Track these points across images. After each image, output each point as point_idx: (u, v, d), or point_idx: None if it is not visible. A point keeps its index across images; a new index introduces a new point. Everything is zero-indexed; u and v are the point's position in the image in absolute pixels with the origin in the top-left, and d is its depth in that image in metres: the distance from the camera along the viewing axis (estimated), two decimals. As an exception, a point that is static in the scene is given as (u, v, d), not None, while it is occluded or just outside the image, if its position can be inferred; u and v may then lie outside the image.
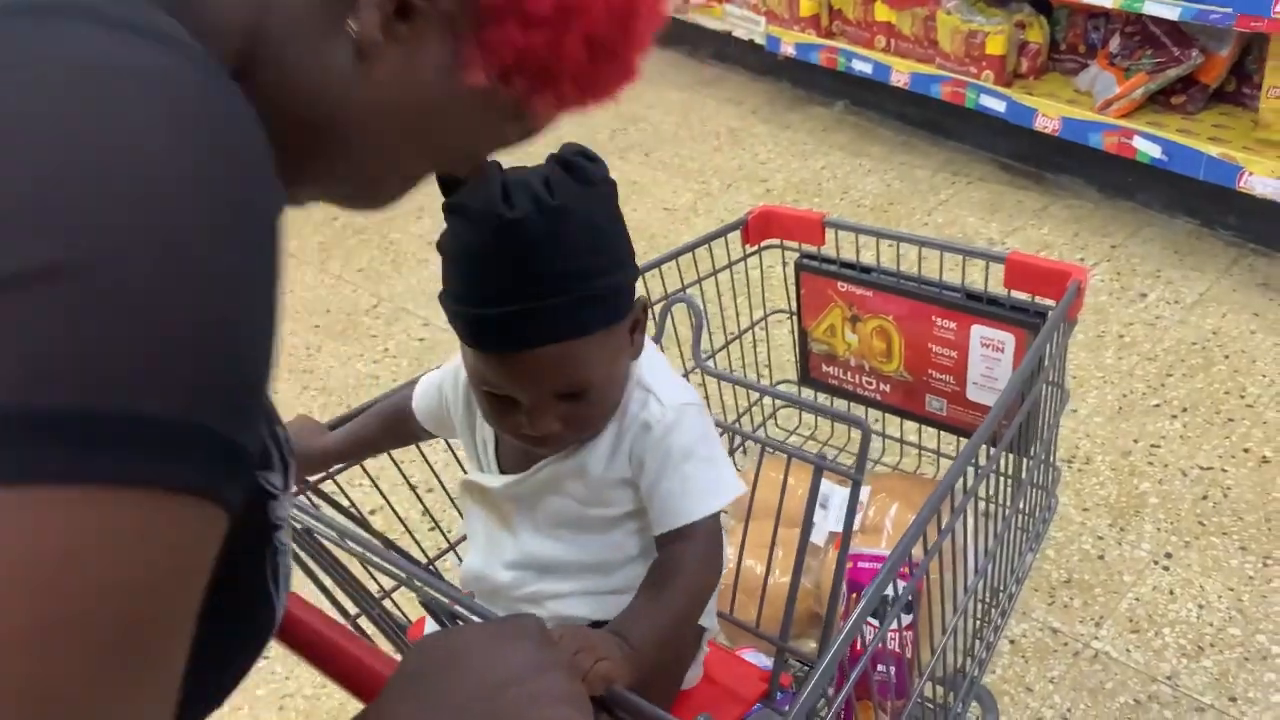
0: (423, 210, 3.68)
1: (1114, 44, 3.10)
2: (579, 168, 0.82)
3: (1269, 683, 1.79)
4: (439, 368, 1.07)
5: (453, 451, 1.24)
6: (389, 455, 1.21)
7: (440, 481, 1.31)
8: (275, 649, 2.24)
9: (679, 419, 0.91)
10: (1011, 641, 1.91)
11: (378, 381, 2.81)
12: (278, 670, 2.02)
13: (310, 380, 2.87)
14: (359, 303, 3.21)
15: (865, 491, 1.47)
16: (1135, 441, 2.34)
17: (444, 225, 0.83)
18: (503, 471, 0.99)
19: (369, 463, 1.18)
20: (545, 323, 0.80)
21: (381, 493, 1.27)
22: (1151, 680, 1.82)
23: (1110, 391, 2.49)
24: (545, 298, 0.79)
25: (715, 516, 0.92)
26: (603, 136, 4.04)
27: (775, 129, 3.97)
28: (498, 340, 0.81)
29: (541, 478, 0.95)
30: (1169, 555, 2.06)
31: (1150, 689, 1.81)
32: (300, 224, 3.71)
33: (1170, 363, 2.56)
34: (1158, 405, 2.44)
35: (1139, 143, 2.93)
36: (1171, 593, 1.98)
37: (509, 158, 0.69)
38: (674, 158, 3.84)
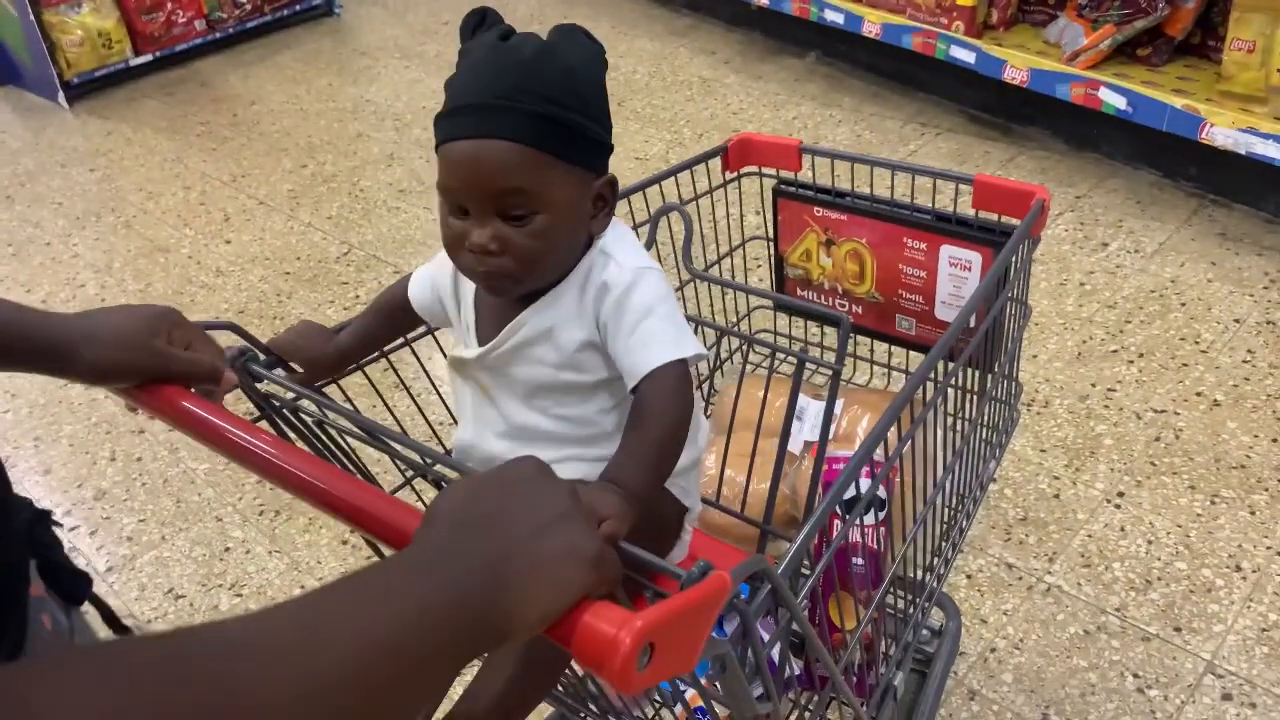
0: (392, 159, 3.66)
1: (1083, -5, 3.11)
2: (576, 29, 0.93)
3: (1212, 614, 1.87)
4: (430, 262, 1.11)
5: (430, 380, 1.27)
6: (391, 366, 1.23)
7: (440, 395, 1.33)
8: (248, 589, 2.26)
9: (637, 279, 0.95)
10: (968, 576, 1.98)
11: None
12: (251, 607, 2.05)
13: (281, 326, 2.87)
14: (329, 250, 3.20)
15: (839, 404, 1.51)
16: (1093, 385, 2.40)
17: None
18: (481, 341, 1.02)
19: (376, 377, 1.21)
20: (505, 118, 0.87)
21: (385, 402, 1.30)
22: (1101, 612, 1.89)
23: (1070, 338, 2.55)
24: (513, 99, 0.88)
25: (680, 362, 0.94)
26: (575, 85, 4.03)
27: (747, 79, 3.97)
28: (463, 125, 0.89)
29: (513, 343, 0.99)
30: (1121, 494, 2.13)
31: (1099, 620, 1.88)
32: (269, 171, 3.68)
33: (1129, 310, 2.62)
34: (1115, 351, 2.49)
35: (1105, 94, 2.96)
36: (1122, 529, 2.05)
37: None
38: (646, 107, 3.84)
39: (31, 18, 4.13)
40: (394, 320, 1.14)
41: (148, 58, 4.49)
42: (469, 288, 1.04)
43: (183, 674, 0.43)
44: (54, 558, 0.78)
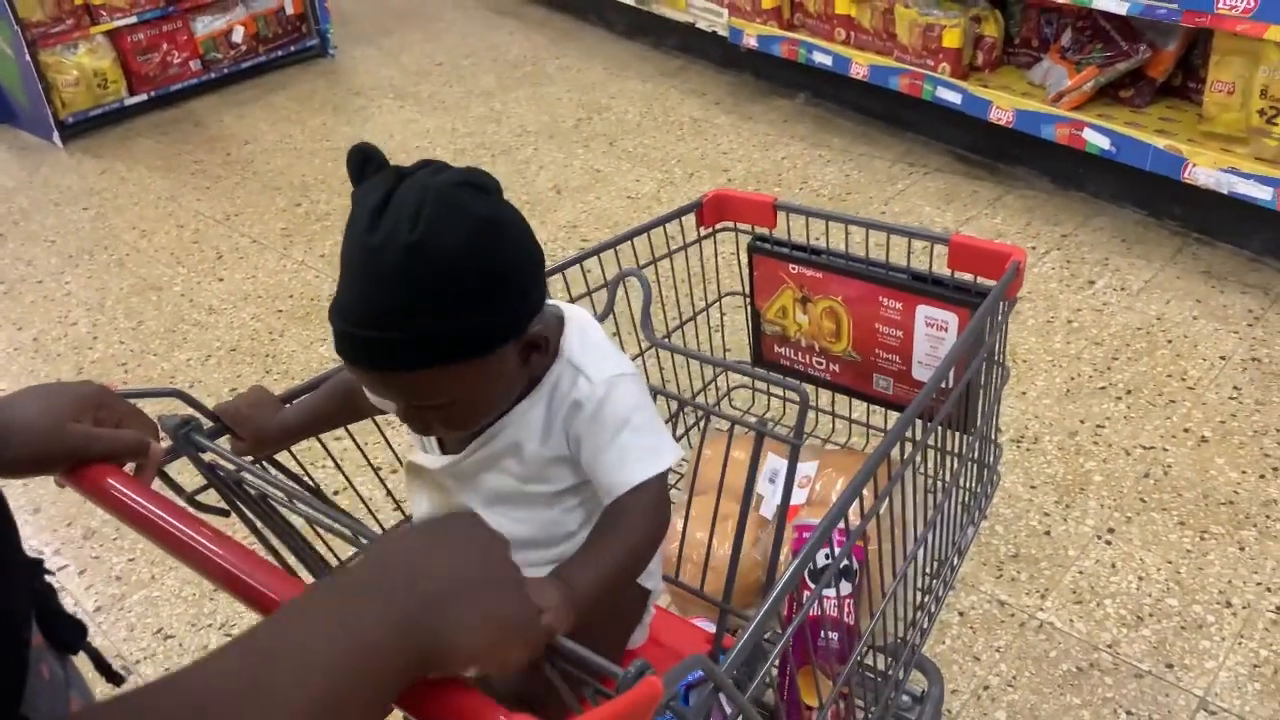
0: (387, 197, 3.68)
1: (1066, 38, 3.17)
2: (458, 201, 0.79)
3: (1204, 650, 1.87)
4: None
5: (384, 438, 1.26)
6: (351, 437, 1.22)
7: (401, 463, 1.33)
8: (238, 628, 2.23)
9: (609, 392, 0.93)
10: (960, 614, 1.98)
11: (340, 365, 2.81)
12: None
13: (273, 364, 2.88)
14: (321, 288, 3.21)
15: (813, 466, 1.50)
16: (1081, 422, 2.41)
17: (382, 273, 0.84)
18: (444, 451, 1.01)
19: (333, 445, 1.19)
20: (390, 353, 0.81)
21: (345, 475, 1.30)
22: (1093, 649, 1.89)
23: (1059, 374, 2.57)
24: (388, 329, 0.80)
25: (659, 477, 0.93)
26: (568, 125, 4.07)
27: (737, 120, 4.02)
28: (353, 357, 0.83)
29: (478, 458, 0.97)
30: (1111, 530, 2.13)
31: (1092, 657, 1.88)
32: (263, 210, 3.70)
33: (1116, 347, 2.65)
34: (1103, 388, 2.51)
35: (1089, 134, 3.01)
36: (1113, 566, 2.05)
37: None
38: (638, 147, 3.88)
39: (28, 58, 4.17)
40: (346, 403, 1.11)
41: (143, 97, 4.52)
42: None
43: None
44: (50, 606, 0.77)
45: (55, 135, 4.32)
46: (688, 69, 4.51)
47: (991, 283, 1.38)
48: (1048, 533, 2.14)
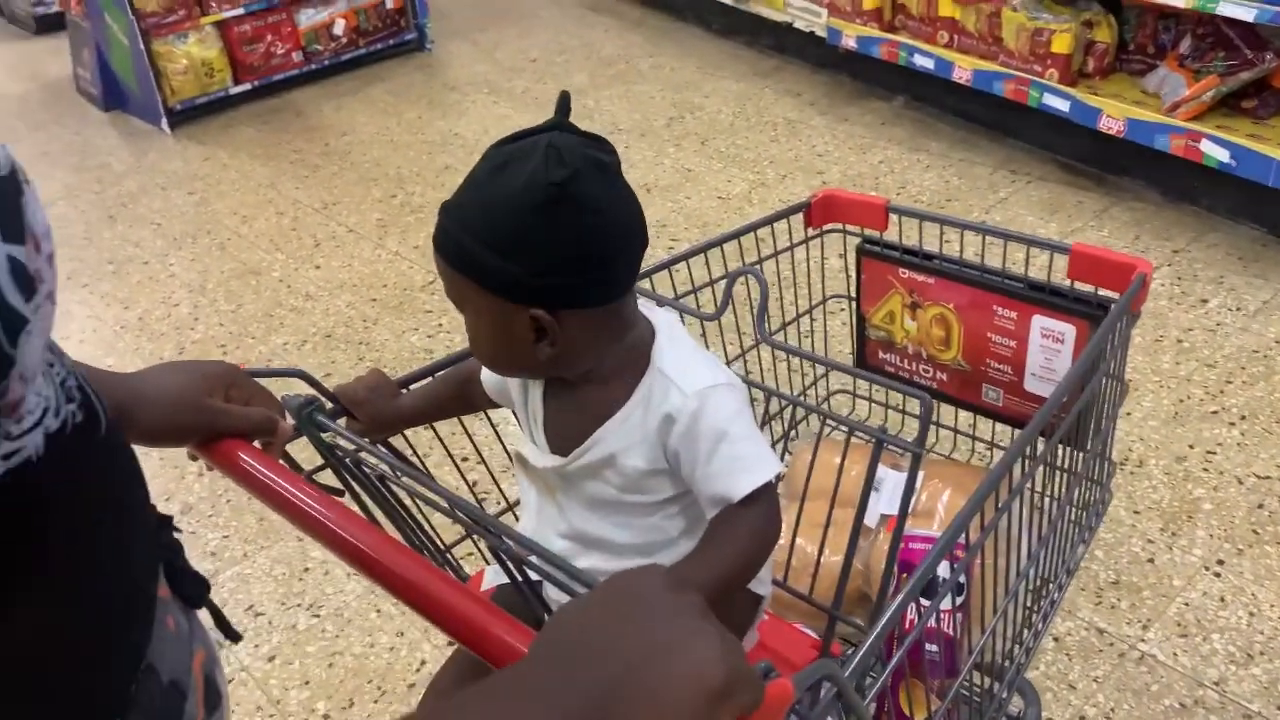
0: (479, 190, 3.71)
1: (1185, 45, 3.05)
2: (571, 187, 0.85)
3: (1320, 694, 1.77)
4: None
5: (494, 428, 1.27)
6: (463, 426, 1.24)
7: (481, 456, 1.33)
8: (325, 609, 2.29)
9: (703, 404, 0.91)
10: (1056, 639, 1.91)
11: (431, 355, 2.85)
12: (328, 629, 2.07)
13: (366, 351, 2.92)
14: (414, 278, 3.25)
15: (919, 476, 1.47)
16: (1191, 447, 2.31)
17: (473, 209, 0.92)
18: (549, 442, 1.01)
19: (417, 440, 1.21)
20: (444, 237, 0.91)
21: (426, 469, 1.30)
22: (1198, 685, 1.80)
23: (1167, 396, 2.46)
24: (451, 220, 0.90)
25: (767, 486, 0.91)
26: (660, 124, 4.06)
27: (833, 121, 3.96)
28: (435, 237, 0.92)
29: (578, 467, 0.97)
30: (1221, 562, 2.03)
31: (1197, 694, 1.79)
32: (359, 200, 3.77)
33: (1230, 370, 2.53)
34: (1215, 412, 2.40)
35: (1206, 146, 2.88)
36: (1222, 599, 1.96)
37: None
38: (730, 147, 3.84)
39: (141, 47, 4.32)
40: (463, 393, 1.13)
41: (246, 87, 4.65)
42: (537, 382, 1.02)
43: None
44: (177, 561, 0.80)
45: (164, 121, 4.46)
46: (783, 69, 4.45)
47: (1113, 294, 1.33)
48: (1151, 560, 2.05)
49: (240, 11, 4.55)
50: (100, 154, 4.39)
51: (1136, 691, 1.80)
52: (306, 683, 1.97)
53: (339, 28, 4.85)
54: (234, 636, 0.89)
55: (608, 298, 0.91)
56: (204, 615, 0.85)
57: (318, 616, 2.11)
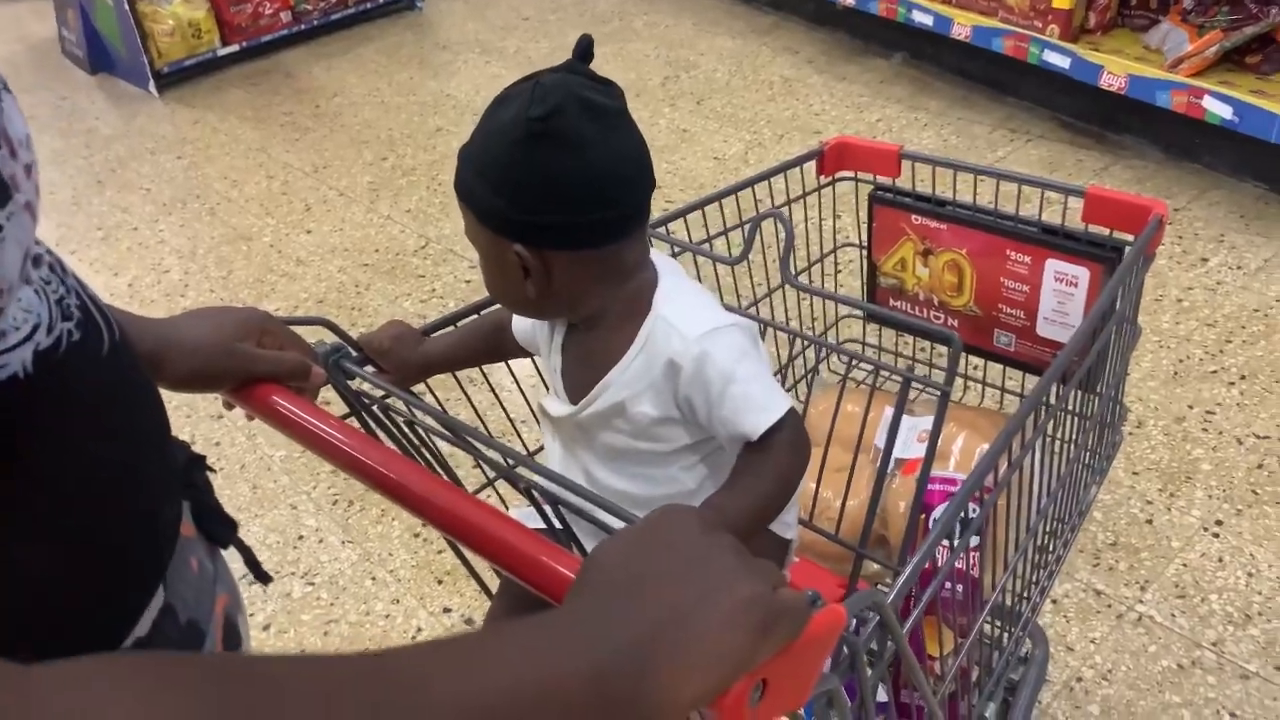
0: (472, 153, 3.67)
1: (1188, 0, 2.99)
2: (551, 122, 0.86)
3: (1317, 654, 1.77)
4: None
5: (514, 378, 1.26)
6: (485, 379, 1.23)
7: (502, 404, 1.31)
8: (320, 577, 2.27)
9: (706, 349, 0.91)
10: (1054, 601, 1.90)
11: (424, 320, 2.82)
12: (323, 597, 2.06)
13: (358, 317, 2.90)
14: (407, 243, 3.22)
15: (928, 421, 1.47)
16: (1190, 407, 2.29)
17: (477, 134, 0.93)
18: (568, 393, 1.01)
19: (438, 388, 1.20)
20: (457, 174, 0.93)
21: (477, 412, 1.31)
22: (1196, 646, 1.80)
23: (1166, 356, 2.44)
24: (464, 158, 0.92)
25: (789, 414, 0.91)
26: (654, 83, 4.00)
27: (830, 80, 3.90)
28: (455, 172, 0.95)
29: (590, 414, 0.97)
30: (1219, 523, 2.03)
31: (1194, 654, 1.79)
32: (350, 163, 3.72)
33: (1230, 329, 2.50)
34: (1215, 371, 2.38)
35: (1209, 103, 2.84)
36: (1220, 560, 1.95)
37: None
38: (726, 106, 3.79)
39: (126, 7, 4.24)
40: (491, 341, 1.13)
41: (234, 48, 4.57)
42: (559, 330, 1.02)
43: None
44: (206, 500, 0.79)
45: (151, 84, 4.40)
46: (779, 26, 4.38)
47: (1126, 236, 1.31)
48: (1150, 521, 2.04)
49: (226, -30, 4.47)
50: (87, 118, 4.33)
51: (1134, 653, 1.80)
52: (302, 650, 1.97)
53: (327, -13, 4.76)
54: (264, 578, 0.89)
55: (595, 241, 0.90)
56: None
57: (312, 585, 2.10)
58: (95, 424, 0.63)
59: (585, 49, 0.90)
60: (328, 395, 1.00)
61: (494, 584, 1.21)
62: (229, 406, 0.95)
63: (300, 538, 2.21)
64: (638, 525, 0.59)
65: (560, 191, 0.87)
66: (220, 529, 0.80)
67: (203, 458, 0.83)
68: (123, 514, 0.65)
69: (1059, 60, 3.20)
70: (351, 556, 2.14)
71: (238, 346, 0.90)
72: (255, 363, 0.91)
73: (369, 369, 1.08)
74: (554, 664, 0.49)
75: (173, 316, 0.92)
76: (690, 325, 0.92)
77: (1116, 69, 3.05)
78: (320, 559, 2.15)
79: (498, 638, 0.51)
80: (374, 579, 2.09)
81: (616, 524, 0.76)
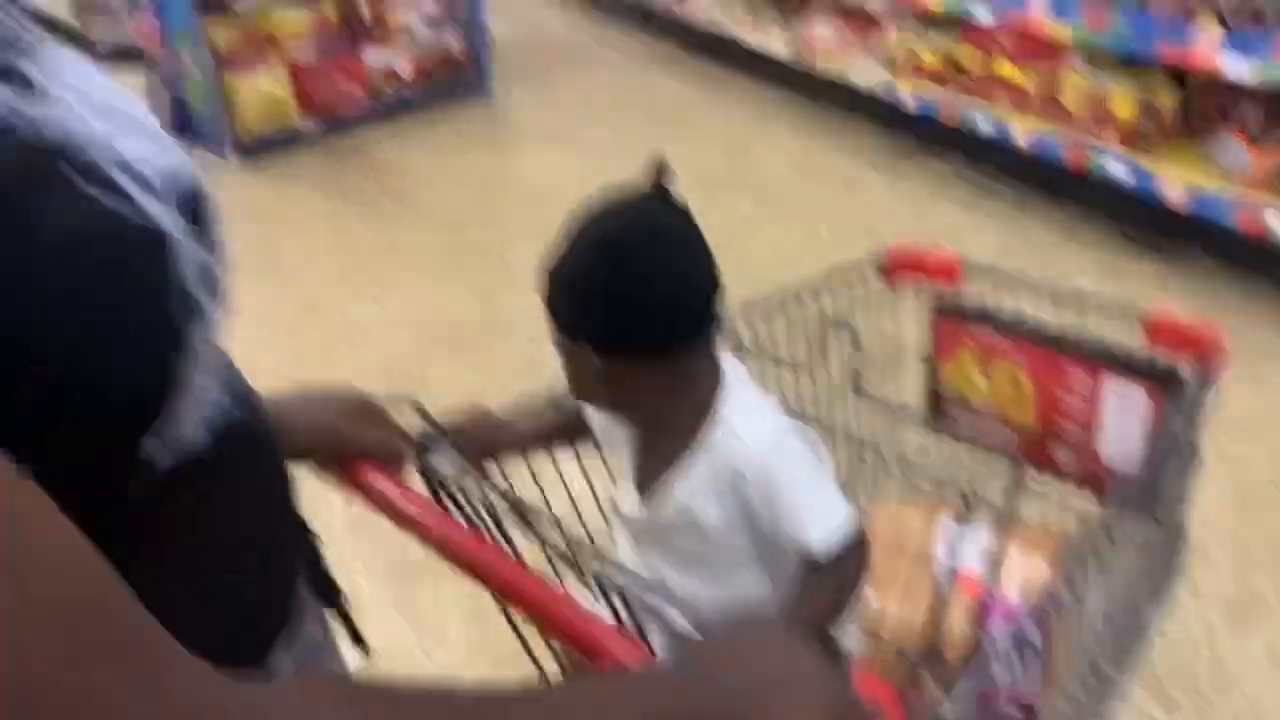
0: (537, 235, 3.76)
1: (1251, 118, 3.03)
2: (614, 246, 0.97)
3: (1387, 795, 1.72)
4: None
5: (580, 465, 1.29)
6: (554, 464, 1.27)
7: (570, 495, 1.35)
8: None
9: (769, 457, 0.95)
10: (1111, 723, 1.87)
11: (484, 394, 2.88)
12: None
13: (422, 389, 2.93)
14: (471, 318, 3.30)
15: (982, 533, 1.47)
16: (1255, 535, 2.26)
17: (553, 251, 1.04)
18: (637, 487, 1.05)
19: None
20: (546, 285, 1.03)
21: (544, 498, 1.32)
22: (1259, 778, 1.76)
23: (1230, 481, 2.41)
24: (549, 273, 1.03)
25: (843, 531, 0.95)
26: (714, 175, 4.09)
27: (891, 179, 3.97)
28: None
29: (659, 518, 1.01)
30: (1283, 651, 1.99)
31: (1257, 787, 1.74)
32: (419, 239, 3.84)
33: (1293, 450, 2.48)
34: None
35: (1270, 218, 2.85)
36: (1284, 690, 1.91)
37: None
38: (785, 200, 3.87)
39: (215, 81, 4.46)
40: (569, 430, 1.18)
41: (313, 125, 4.77)
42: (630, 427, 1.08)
43: None
44: (316, 565, 0.83)
45: (233, 155, 4.59)
46: (841, 125, 4.48)
47: (1187, 361, 1.33)
48: (1211, 650, 2.00)
49: (310, 52, 4.69)
50: (170, 184, 4.52)
51: (1194, 781, 1.76)
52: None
53: (405, 71, 4.97)
54: (364, 647, 0.93)
55: (661, 354, 0.97)
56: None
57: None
58: (251, 497, 0.69)
59: (660, 173, 0.96)
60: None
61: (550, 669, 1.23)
62: (326, 480, 0.99)
63: (355, 606, 2.24)
64: (727, 625, 0.66)
65: (630, 310, 0.95)
66: (328, 591, 0.84)
67: (307, 523, 0.87)
68: (269, 581, 0.70)
69: (1119, 170, 3.23)
70: (403, 628, 2.17)
71: (342, 425, 0.96)
72: (359, 442, 0.96)
73: (452, 452, 1.12)
74: (661, 701, 0.55)
75: (282, 394, 0.96)
76: (753, 434, 0.97)
77: (1177, 181, 3.08)
78: (373, 630, 2.17)
79: (621, 680, 0.59)
80: (426, 654, 2.11)
81: (685, 624, 0.78)
